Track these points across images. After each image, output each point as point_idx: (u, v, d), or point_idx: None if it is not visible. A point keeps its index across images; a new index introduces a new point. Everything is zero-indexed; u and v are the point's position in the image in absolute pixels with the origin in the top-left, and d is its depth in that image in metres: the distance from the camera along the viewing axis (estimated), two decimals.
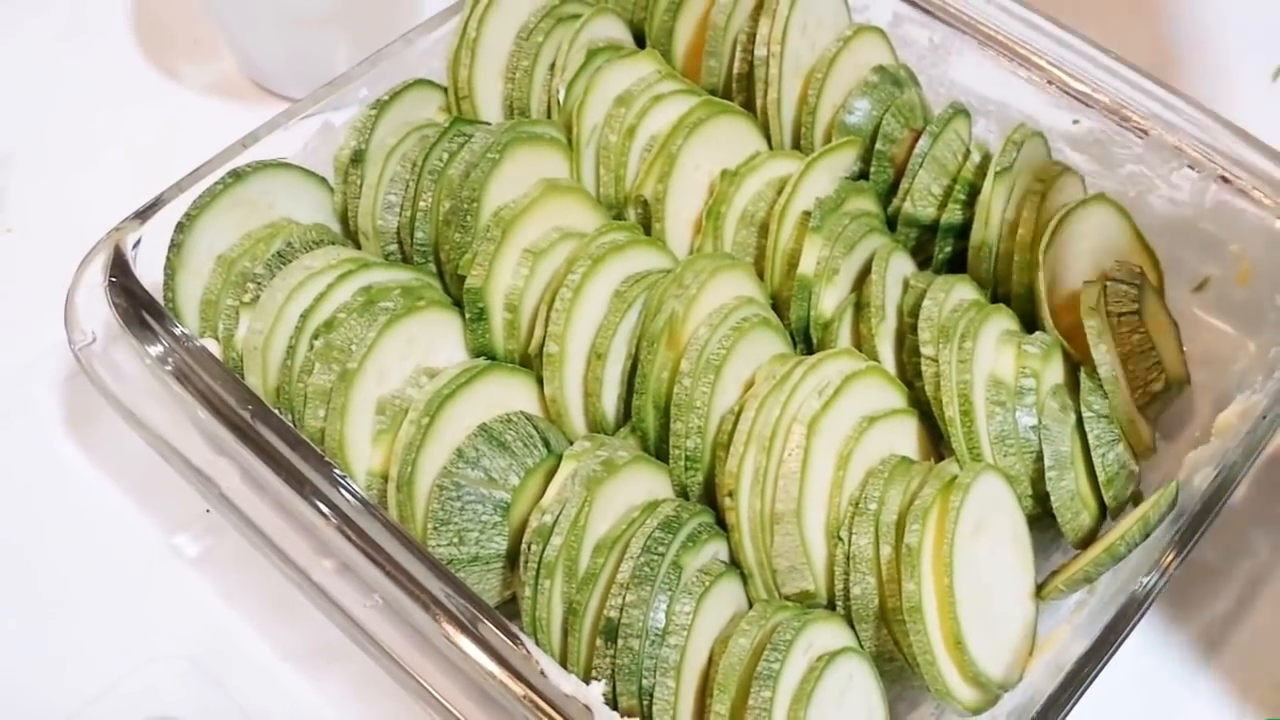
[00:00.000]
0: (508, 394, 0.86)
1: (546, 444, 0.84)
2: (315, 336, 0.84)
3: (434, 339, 0.87)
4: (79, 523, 0.93)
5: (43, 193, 1.14)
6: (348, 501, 0.77)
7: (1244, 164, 0.98)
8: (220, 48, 1.22)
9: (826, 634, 0.77)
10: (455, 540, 0.79)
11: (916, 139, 0.99)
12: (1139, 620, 0.77)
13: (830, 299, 0.92)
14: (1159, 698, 0.90)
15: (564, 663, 0.76)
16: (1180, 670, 0.92)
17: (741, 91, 1.04)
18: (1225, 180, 0.98)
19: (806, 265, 0.91)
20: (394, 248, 0.94)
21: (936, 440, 0.89)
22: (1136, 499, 0.90)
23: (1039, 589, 0.85)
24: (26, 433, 0.98)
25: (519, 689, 0.72)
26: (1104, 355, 0.88)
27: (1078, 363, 0.91)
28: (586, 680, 0.75)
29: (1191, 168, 0.99)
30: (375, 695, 0.84)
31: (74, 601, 0.90)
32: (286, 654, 0.88)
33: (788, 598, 0.81)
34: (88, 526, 0.93)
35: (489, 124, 0.99)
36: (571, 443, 0.84)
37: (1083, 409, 0.88)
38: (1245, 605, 0.95)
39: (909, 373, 0.90)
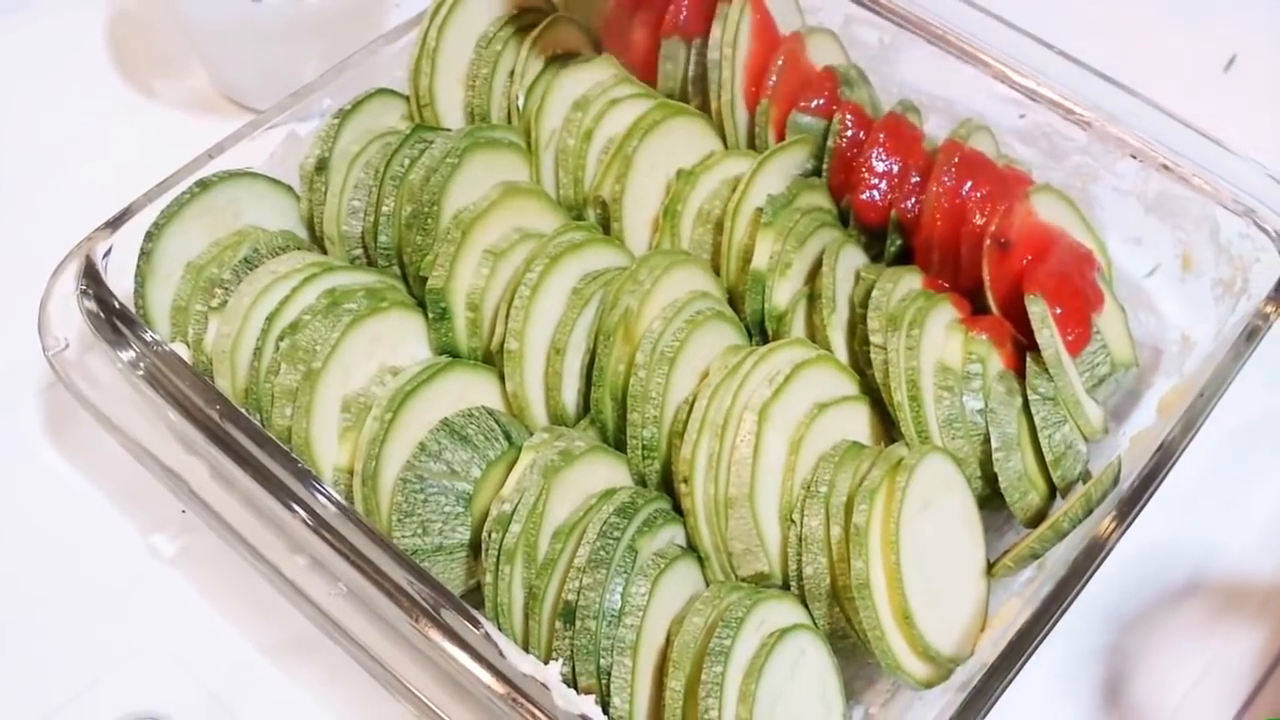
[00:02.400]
0: (470, 390, 0.88)
1: (508, 437, 0.86)
2: (281, 338, 0.87)
3: (398, 339, 0.90)
4: (58, 524, 0.96)
5: (20, 205, 1.16)
6: (313, 496, 0.80)
7: (1184, 153, 1.01)
8: (192, 63, 1.25)
9: (779, 612, 0.80)
10: (419, 531, 0.82)
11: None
12: (1080, 591, 0.79)
13: (784, 292, 0.94)
14: (1117, 669, 0.93)
15: (526, 645, 0.79)
16: (1136, 641, 0.94)
17: (697, 94, 1.07)
18: (1166, 169, 1.01)
19: (760, 260, 0.94)
20: (359, 252, 0.97)
21: (888, 426, 0.91)
22: (1086, 478, 0.93)
23: (990, 567, 0.87)
24: (5, 438, 1.01)
25: (480, 671, 0.74)
26: (1048, 339, 0.91)
27: (1025, 347, 0.94)
28: (547, 661, 0.78)
29: (1134, 157, 1.02)
30: (351, 683, 0.86)
31: (55, 600, 0.93)
32: (263, 646, 0.91)
33: (744, 579, 0.84)
34: (67, 528, 0.96)
35: (450, 130, 1.02)
36: (533, 435, 0.87)
37: (1029, 392, 0.91)
38: (1198, 576, 0.98)
39: (861, 361, 0.93)
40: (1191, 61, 1.33)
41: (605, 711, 0.76)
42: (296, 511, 0.80)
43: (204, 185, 0.93)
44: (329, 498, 0.80)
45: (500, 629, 0.77)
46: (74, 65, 1.27)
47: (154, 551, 0.94)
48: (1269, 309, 0.93)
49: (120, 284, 0.91)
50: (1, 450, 1.00)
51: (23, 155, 1.20)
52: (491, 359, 0.91)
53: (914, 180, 1.00)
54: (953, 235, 0.98)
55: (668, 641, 0.79)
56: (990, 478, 0.90)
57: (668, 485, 0.87)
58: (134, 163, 1.14)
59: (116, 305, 0.88)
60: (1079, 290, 0.96)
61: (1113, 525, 0.82)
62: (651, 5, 1.06)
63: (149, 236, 0.91)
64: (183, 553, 0.94)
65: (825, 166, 1.03)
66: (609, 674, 0.76)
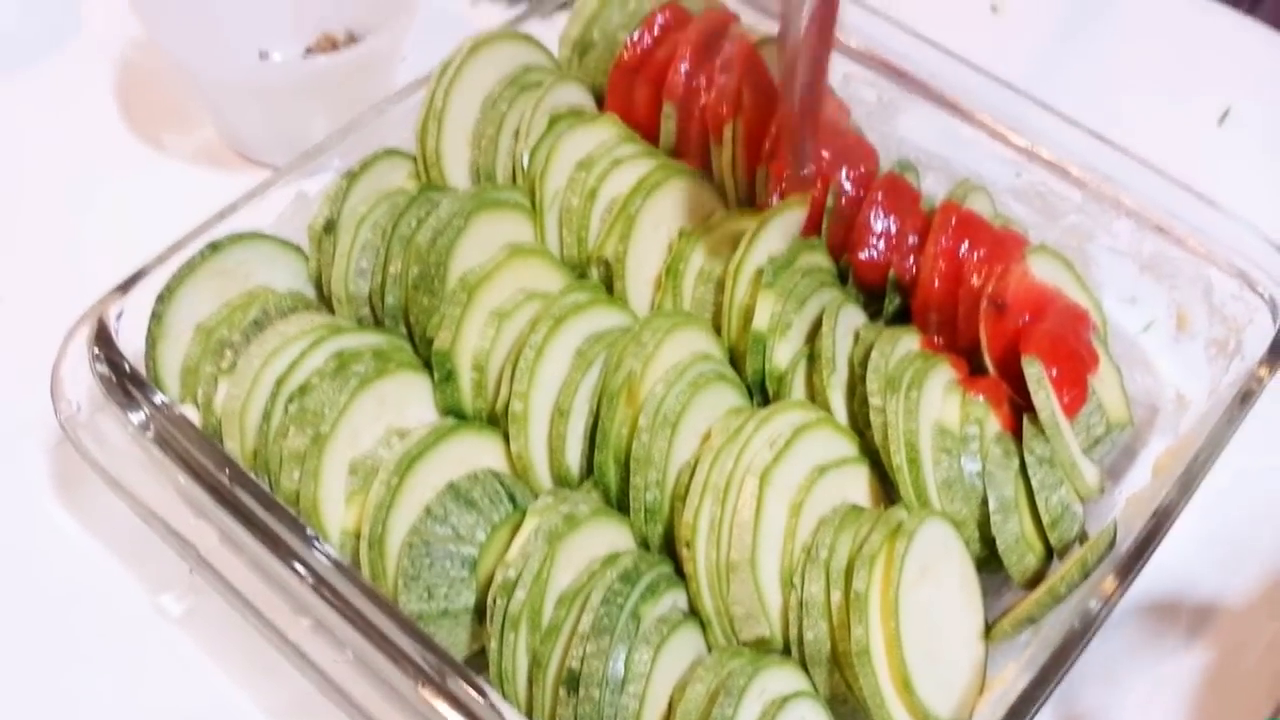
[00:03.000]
0: (475, 452, 0.90)
1: (513, 500, 0.88)
2: (290, 401, 0.88)
3: (405, 400, 0.91)
4: (66, 585, 0.97)
5: (31, 262, 1.18)
6: (320, 561, 0.81)
7: (1178, 213, 1.02)
8: (202, 117, 1.27)
9: (780, 678, 0.81)
10: (424, 596, 0.83)
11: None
12: (1078, 656, 0.80)
13: (784, 352, 0.96)
14: None
15: (529, 713, 0.80)
16: (1132, 704, 0.95)
17: (698, 153, 1.08)
18: (1161, 230, 1.02)
19: (760, 320, 0.96)
20: (366, 312, 0.98)
21: (887, 486, 0.93)
22: (1083, 539, 0.94)
23: (987, 630, 0.88)
24: (15, 498, 1.01)
25: None
26: (1045, 401, 0.92)
27: (1022, 408, 0.95)
28: None
29: (1129, 217, 1.04)
30: None
31: (61, 662, 0.94)
32: (269, 709, 0.91)
33: (745, 644, 0.85)
34: (75, 589, 0.96)
35: (456, 190, 1.03)
36: (537, 497, 0.88)
37: (1026, 454, 0.92)
38: (1193, 639, 0.99)
39: (860, 422, 0.94)
40: (1186, 115, 1.35)
41: None
42: (303, 576, 0.81)
43: (215, 248, 0.94)
44: (336, 563, 0.81)
45: (504, 696, 0.78)
46: (82, 119, 1.28)
47: (161, 611, 0.95)
48: (1263, 372, 0.94)
49: (131, 342, 0.93)
50: (9, 506, 1.01)
51: (34, 209, 1.21)
52: (496, 419, 0.93)
53: (912, 240, 1.02)
54: (950, 296, 0.99)
55: (670, 709, 0.80)
56: (988, 540, 0.91)
57: (670, 548, 0.88)
58: (145, 216, 1.16)
59: (128, 369, 0.89)
60: (1075, 351, 0.97)
61: (1110, 588, 0.83)
62: (653, 65, 1.08)
63: (160, 299, 0.92)
64: (190, 613, 0.95)
65: (824, 225, 1.04)
66: None
